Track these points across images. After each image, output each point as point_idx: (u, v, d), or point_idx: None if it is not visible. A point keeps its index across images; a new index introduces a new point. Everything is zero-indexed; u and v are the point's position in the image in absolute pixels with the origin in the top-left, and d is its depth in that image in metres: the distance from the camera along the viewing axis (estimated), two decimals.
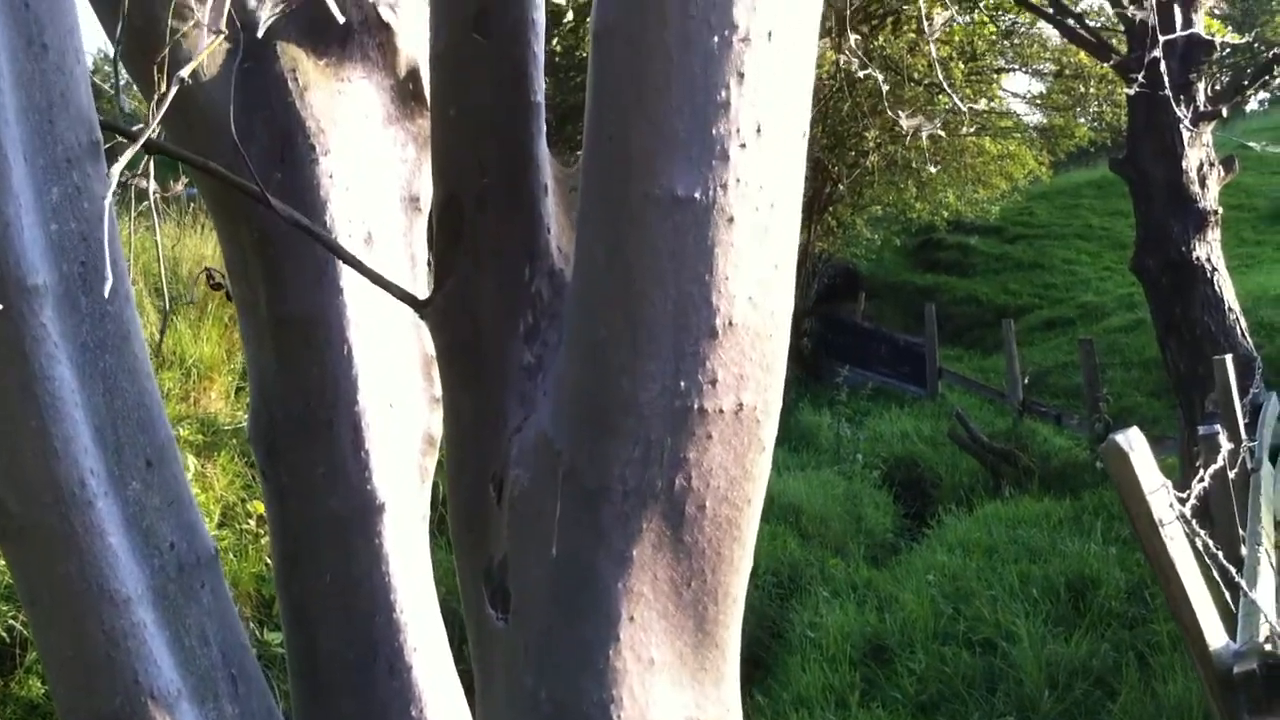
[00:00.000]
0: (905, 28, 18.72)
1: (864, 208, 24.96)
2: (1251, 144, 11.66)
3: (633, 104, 2.09)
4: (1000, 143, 23.06)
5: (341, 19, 3.09)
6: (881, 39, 19.05)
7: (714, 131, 2.08)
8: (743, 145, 2.10)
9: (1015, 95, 24.91)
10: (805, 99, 2.20)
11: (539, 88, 2.36)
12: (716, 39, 2.06)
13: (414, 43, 3.28)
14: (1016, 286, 26.92)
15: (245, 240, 3.06)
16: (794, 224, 2.20)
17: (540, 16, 2.36)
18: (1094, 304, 24.41)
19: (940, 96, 19.04)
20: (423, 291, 3.24)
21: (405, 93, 3.27)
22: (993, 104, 22.25)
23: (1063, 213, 30.98)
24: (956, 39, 18.24)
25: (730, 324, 2.13)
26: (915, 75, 18.83)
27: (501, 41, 2.28)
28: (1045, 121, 24.67)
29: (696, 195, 2.07)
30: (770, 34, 2.09)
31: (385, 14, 3.18)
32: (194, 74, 2.88)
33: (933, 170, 20.40)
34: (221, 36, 1.46)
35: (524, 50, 2.31)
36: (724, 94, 2.08)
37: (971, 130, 21.47)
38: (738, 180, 2.10)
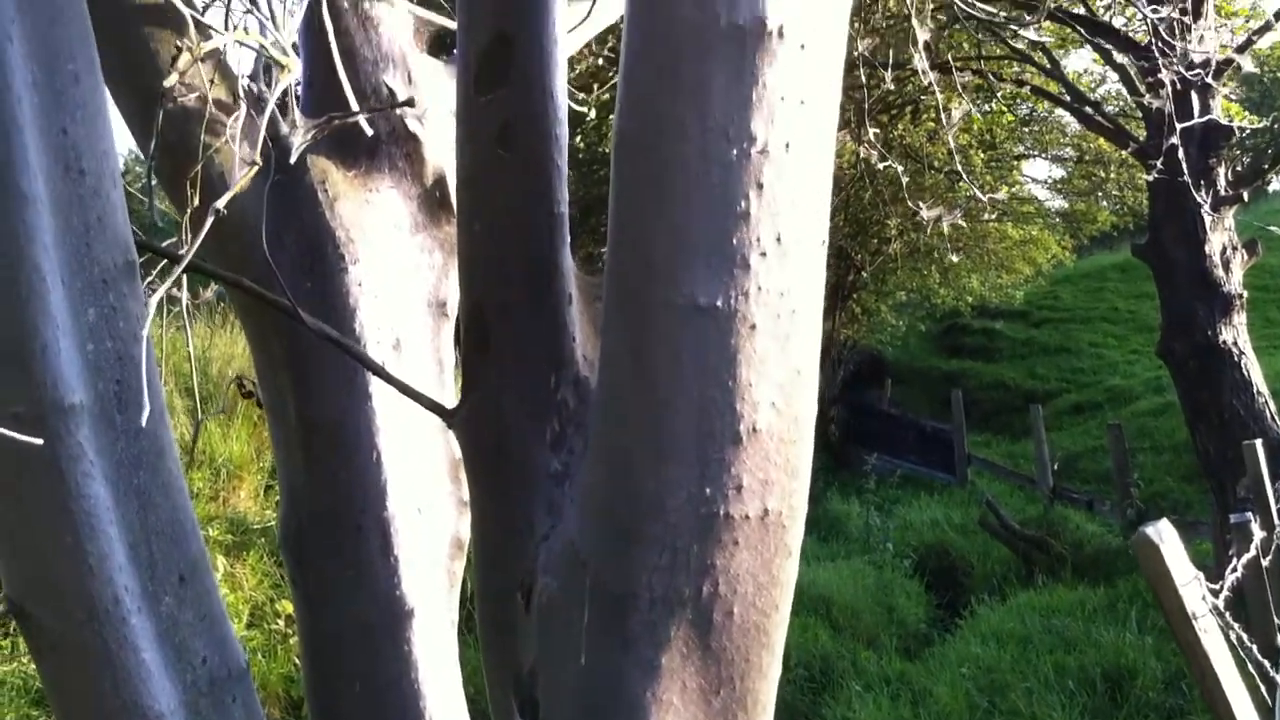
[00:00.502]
0: (924, 116, 18.89)
1: (888, 294, 25.03)
2: (1274, 227, 11.67)
3: (653, 214, 2.13)
4: (1022, 228, 23.15)
5: (370, 131, 3.16)
6: (901, 128, 19.25)
7: (734, 241, 2.12)
8: (763, 254, 2.14)
9: (1036, 180, 24.90)
10: (824, 207, 2.23)
11: (562, 199, 2.40)
12: (735, 151, 2.11)
13: (441, 150, 3.35)
14: (1043, 371, 26.84)
15: (275, 348, 3.11)
16: (815, 329, 2.23)
17: (563, 131, 2.41)
18: (1122, 388, 24.30)
19: (961, 183, 19.16)
20: (450, 395, 3.28)
21: (432, 200, 3.34)
22: (1014, 190, 22.36)
23: (1088, 296, 30.97)
24: (975, 127, 18.39)
25: (754, 430, 2.14)
26: (935, 163, 18.98)
27: (525, 156, 2.33)
28: (1067, 206, 24.76)
29: (718, 303, 2.11)
30: (788, 145, 2.13)
31: (412, 125, 3.26)
32: (225, 186, 2.95)
33: (954, 259, 20.46)
34: (255, 167, 1.50)
35: (547, 164, 2.36)
36: (744, 204, 2.12)
37: (993, 216, 21.58)
38: (759, 288, 2.13)
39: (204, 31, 2.61)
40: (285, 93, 2.69)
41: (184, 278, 3.37)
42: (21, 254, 1.87)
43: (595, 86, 7.17)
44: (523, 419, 2.35)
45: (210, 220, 1.40)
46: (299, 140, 2.50)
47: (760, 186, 2.12)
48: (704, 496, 2.13)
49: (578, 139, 13.41)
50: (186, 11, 2.43)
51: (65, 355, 1.92)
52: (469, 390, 2.42)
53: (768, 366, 2.15)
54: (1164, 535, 4.26)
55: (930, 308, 26.56)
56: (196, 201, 2.69)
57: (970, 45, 14.17)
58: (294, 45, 2.67)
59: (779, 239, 2.15)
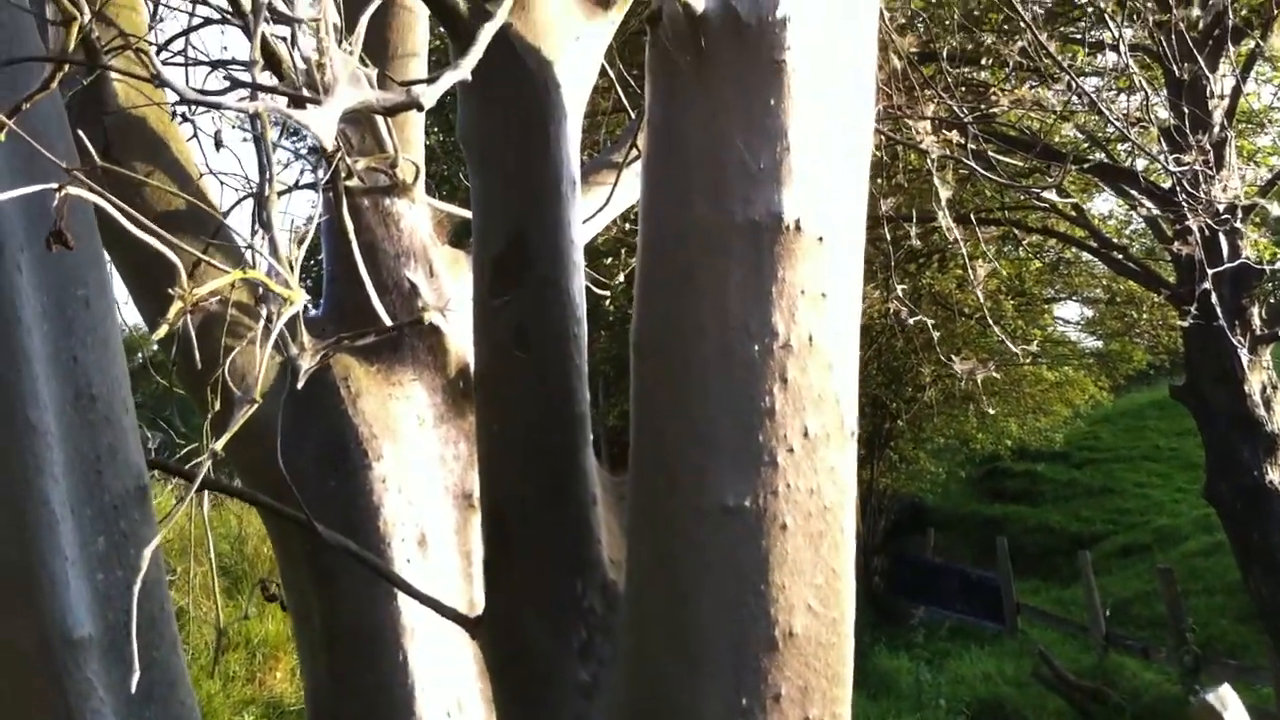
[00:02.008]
0: (951, 264, 18.96)
1: (925, 440, 24.81)
2: None
3: (676, 415, 2.08)
4: (1057, 370, 23.01)
5: (391, 324, 3.15)
6: (929, 275, 19.31)
7: (760, 438, 2.06)
8: (790, 450, 2.07)
9: (1068, 322, 24.84)
10: (852, 397, 2.18)
11: (583, 398, 2.36)
12: (757, 347, 2.06)
13: (464, 339, 3.33)
14: (1088, 513, 26.37)
15: (297, 551, 3.05)
16: (850, 526, 2.15)
17: (582, 329, 2.38)
18: (1169, 528, 23.80)
19: (991, 330, 19.11)
20: (478, 592, 3.19)
21: (456, 391, 3.31)
22: (1046, 332, 22.29)
23: (1128, 435, 30.59)
24: (1004, 273, 18.43)
25: (791, 635, 2.05)
26: (966, 310, 18.97)
27: (543, 357, 2.30)
28: (1101, 346, 24.64)
29: (746, 504, 2.04)
30: (811, 338, 2.09)
31: (434, 317, 3.24)
32: (244, 387, 2.92)
33: (990, 411, 20.31)
34: (254, 406, 1.47)
35: (566, 364, 2.33)
36: (768, 401, 2.06)
37: (1027, 360, 21.49)
38: (788, 486, 2.06)
39: (224, 250, 2.61)
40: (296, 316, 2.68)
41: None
42: (29, 486, 1.83)
43: (623, 252, 7.22)
44: (547, 627, 2.27)
45: (224, 439, 1.36)
46: (307, 363, 2.48)
47: (784, 382, 2.07)
48: (740, 707, 2.03)
49: (607, 303, 13.51)
50: (184, 251, 2.44)
51: (74, 587, 1.87)
52: (491, 595, 2.34)
53: (801, 567, 2.07)
54: (1226, 702, 4.08)
55: (969, 453, 26.29)
56: (218, 405, 2.66)
57: (993, 193, 14.28)
58: (299, 260, 2.67)
59: (806, 433, 2.09)
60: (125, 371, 2.02)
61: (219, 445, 1.59)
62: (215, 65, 2.94)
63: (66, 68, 1.52)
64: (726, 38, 2.07)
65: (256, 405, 1.35)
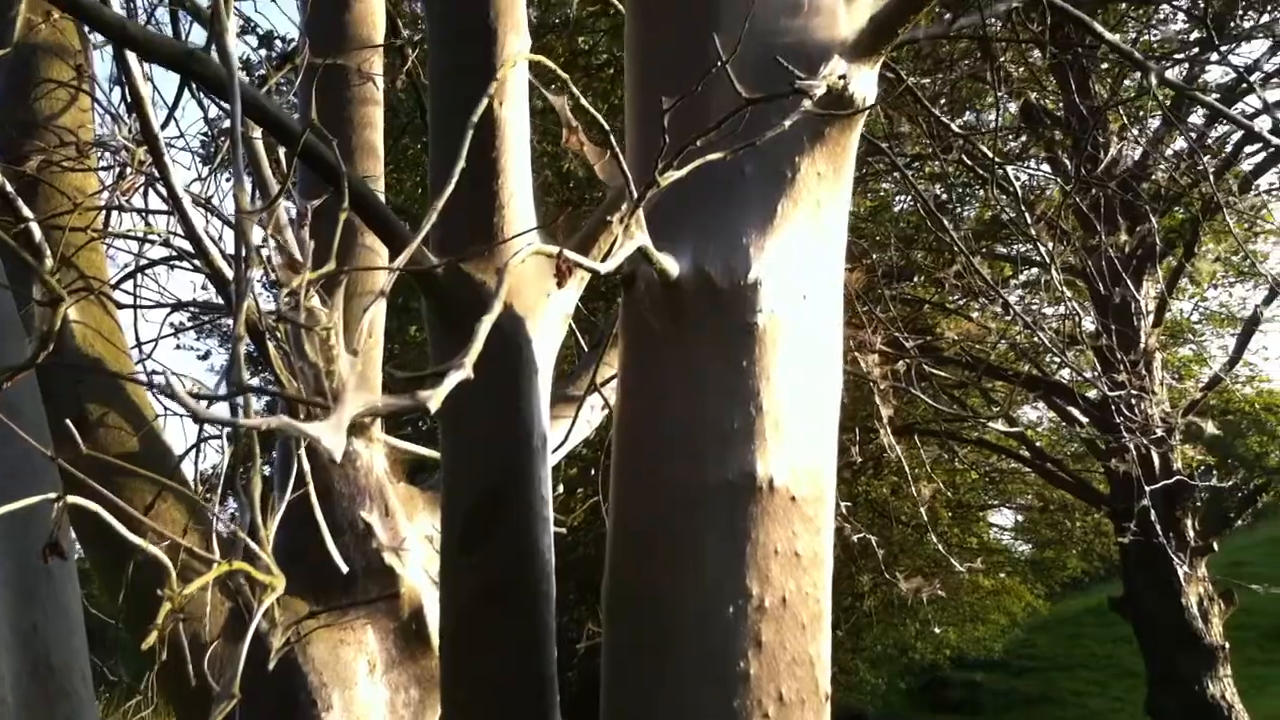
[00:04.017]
0: (886, 471, 19.09)
1: (863, 650, 24.53)
2: (1245, 559, 11.65)
3: (651, 682, 2.03)
4: (993, 578, 23.01)
5: (345, 568, 3.08)
6: (864, 482, 19.40)
7: (735, 704, 2.01)
8: (765, 715, 2.03)
9: (1003, 529, 24.98)
10: (825, 658, 2.15)
11: (551, 659, 2.30)
12: (731, 609, 2.03)
13: (419, 580, 3.27)
14: None
15: None
16: None
17: (551, 586, 2.34)
18: None
19: (928, 536, 19.15)
20: None
21: (409, 633, 3.22)
22: (983, 539, 22.38)
23: (1065, 642, 30.47)
24: (941, 484, 18.57)
25: None
26: (902, 517, 19.03)
27: (512, 616, 2.25)
28: (1035, 553, 24.74)
29: None
30: (785, 600, 2.07)
31: (389, 559, 3.18)
32: (194, 638, 2.83)
33: (936, 630, 20.23)
34: (233, 700, 1.41)
35: (535, 623, 2.28)
36: (743, 665, 2.02)
37: (963, 567, 21.46)
38: None
39: (177, 494, 2.56)
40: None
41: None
42: None
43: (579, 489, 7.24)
44: None
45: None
46: (279, 642, 2.41)
47: (759, 645, 2.04)
48: None
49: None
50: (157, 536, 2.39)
51: None
52: None
53: None
54: None
55: (909, 661, 26.01)
56: (164, 656, 2.57)
57: (930, 405, 14.48)
58: (269, 496, 2.63)
59: (781, 698, 2.05)
60: (84, 641, 1.95)
61: None
62: (176, 306, 2.94)
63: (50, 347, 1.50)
64: (700, 301, 2.10)
65: (236, 700, 1.30)
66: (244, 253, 1.49)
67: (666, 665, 2.02)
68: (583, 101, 1.86)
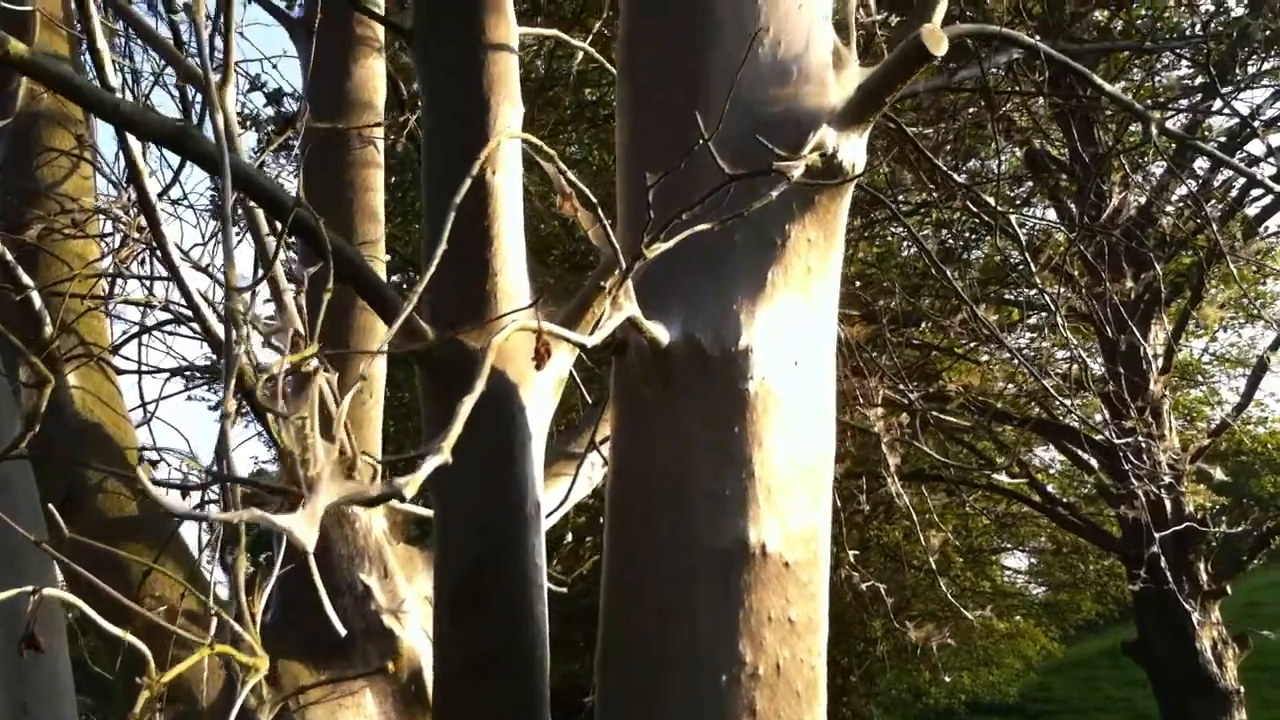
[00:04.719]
0: (898, 515, 19.01)
1: (877, 695, 24.34)
2: (1260, 600, 11.53)
3: None
4: (1008, 621, 22.83)
5: (344, 631, 3.08)
6: (876, 526, 19.30)
7: None
8: None
9: (1017, 572, 24.83)
10: None
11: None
12: (725, 677, 2.03)
13: (419, 641, 3.26)
14: None
15: None
16: None
17: (544, 652, 2.33)
18: None
19: (942, 579, 19.00)
20: None
21: (408, 695, 3.21)
22: (996, 582, 22.24)
23: (1080, 686, 30.19)
24: (951, 530, 18.49)
25: None
26: (914, 562, 18.91)
27: (503, 686, 2.25)
28: (1050, 595, 24.56)
29: None
30: (779, 666, 2.06)
31: (388, 621, 3.18)
32: (194, 701, 2.83)
33: (946, 679, 20.08)
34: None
35: (529, 692, 2.27)
36: None
37: (978, 611, 21.30)
38: None
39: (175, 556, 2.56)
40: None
41: None
42: None
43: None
44: None
45: None
46: (266, 717, 2.41)
47: (754, 714, 2.03)
48: None
49: (554, 561, 13.41)
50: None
51: None
52: None
53: None
54: None
55: (923, 707, 25.79)
56: None
57: (939, 450, 14.44)
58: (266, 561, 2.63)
59: None
60: (75, 713, 1.95)
61: None
62: (174, 373, 2.95)
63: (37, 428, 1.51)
64: (691, 368, 2.11)
65: None
66: (233, 334, 1.50)
67: None
68: (570, 176, 1.87)
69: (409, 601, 3.25)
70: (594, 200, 1.86)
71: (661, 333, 2.06)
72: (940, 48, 2.12)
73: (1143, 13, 9.87)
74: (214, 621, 2.25)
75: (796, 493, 2.14)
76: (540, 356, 1.57)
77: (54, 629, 1.95)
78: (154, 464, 2.34)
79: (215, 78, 1.97)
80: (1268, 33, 7.77)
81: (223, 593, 2.96)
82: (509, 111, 2.55)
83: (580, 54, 5.59)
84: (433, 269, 1.60)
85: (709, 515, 2.07)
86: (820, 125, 2.17)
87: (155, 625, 2.89)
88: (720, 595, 2.05)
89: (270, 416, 1.24)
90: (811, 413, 2.19)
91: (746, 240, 2.14)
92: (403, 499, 1.16)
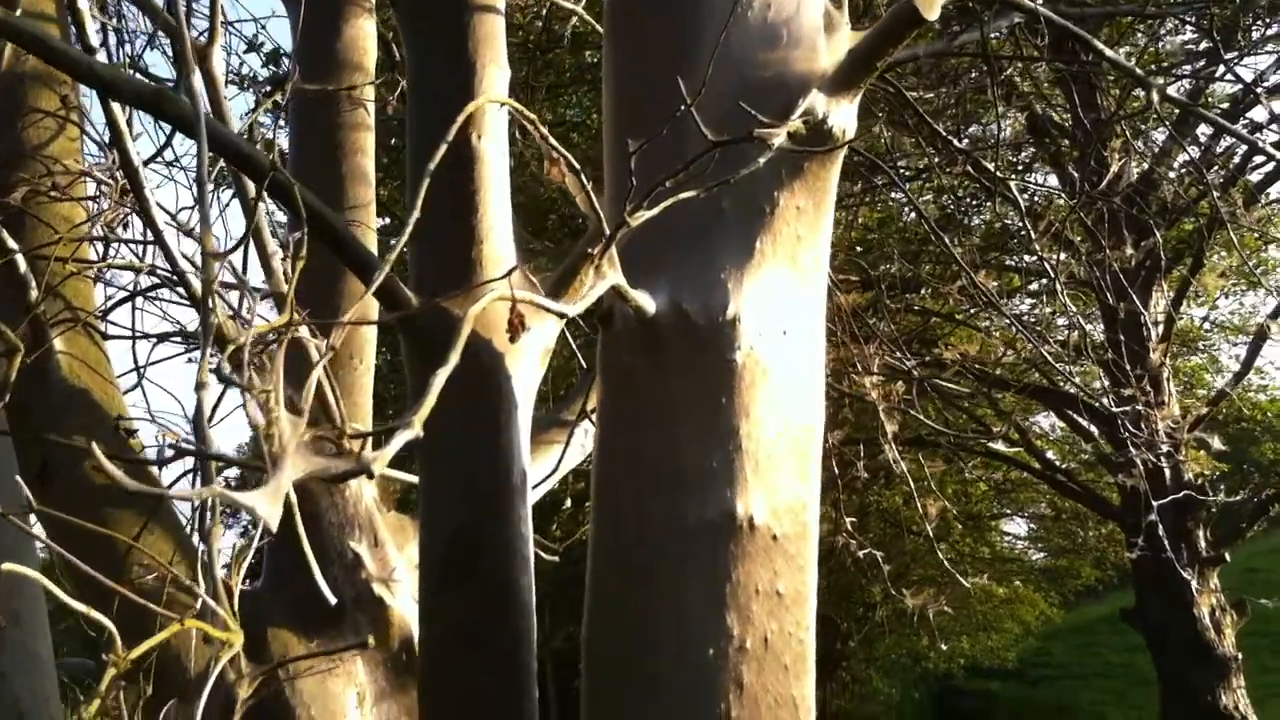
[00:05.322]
0: (898, 481, 19.02)
1: (876, 660, 24.45)
2: (1258, 566, 11.54)
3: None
4: (1008, 586, 22.89)
5: (334, 600, 3.06)
6: (875, 492, 19.31)
7: None
8: None
9: (1016, 538, 24.87)
10: (809, 700, 2.11)
11: (530, 701, 2.27)
12: (712, 651, 2.00)
13: (409, 610, 3.24)
14: None
15: None
16: None
17: (531, 624, 2.31)
18: None
19: (941, 545, 19.05)
20: None
21: (399, 664, 3.19)
22: (996, 548, 22.29)
23: (1080, 651, 30.29)
24: (950, 491, 18.50)
25: None
26: (914, 528, 18.94)
27: (491, 658, 2.23)
28: (1049, 562, 24.62)
29: None
30: (766, 640, 2.04)
31: (379, 589, 3.16)
32: (183, 670, 2.82)
33: (944, 646, 20.15)
34: None
35: (515, 665, 2.25)
36: (723, 706, 2.00)
37: (977, 575, 21.35)
38: None
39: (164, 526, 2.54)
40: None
41: None
42: None
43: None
44: None
45: None
46: (245, 693, 2.39)
47: (740, 688, 2.01)
48: None
49: (554, 527, 13.40)
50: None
51: None
52: None
53: None
54: None
55: (922, 671, 25.91)
56: (150, 690, 2.55)
57: (938, 417, 14.41)
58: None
59: None
60: (55, 687, 1.93)
61: None
62: (162, 338, 2.92)
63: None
64: (678, 338, 2.08)
65: None
66: (209, 302, 1.47)
67: (647, 706, 1.99)
68: (553, 143, 1.83)
69: (400, 570, 3.23)
70: (577, 166, 1.82)
71: (648, 302, 2.03)
72: (932, 11, 2.08)
73: None
74: (200, 595, 2.23)
75: (784, 465, 2.11)
76: (514, 328, 1.54)
77: (30, 597, 1.93)
78: (131, 434, 2.31)
79: (193, 35, 1.93)
80: None
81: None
82: (495, 74, 2.51)
83: (575, 16, 5.53)
84: (407, 235, 1.57)
85: (696, 488, 2.05)
86: (810, 90, 2.13)
87: (144, 593, 2.88)
88: (707, 568, 2.03)
89: (237, 389, 1.21)
90: (800, 384, 2.16)
91: (734, 208, 2.11)
92: (371, 475, 1.13)
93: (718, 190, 1.96)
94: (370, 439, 2.45)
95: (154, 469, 3.02)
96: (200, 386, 1.39)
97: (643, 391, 2.12)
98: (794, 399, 2.14)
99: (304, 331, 2.14)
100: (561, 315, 1.69)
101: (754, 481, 2.06)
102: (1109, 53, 4.73)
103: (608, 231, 1.78)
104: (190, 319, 3.48)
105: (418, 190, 1.60)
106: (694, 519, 2.03)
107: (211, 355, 1.41)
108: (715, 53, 1.99)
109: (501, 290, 1.63)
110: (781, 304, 2.13)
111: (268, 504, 1.04)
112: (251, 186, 2.83)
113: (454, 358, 1.34)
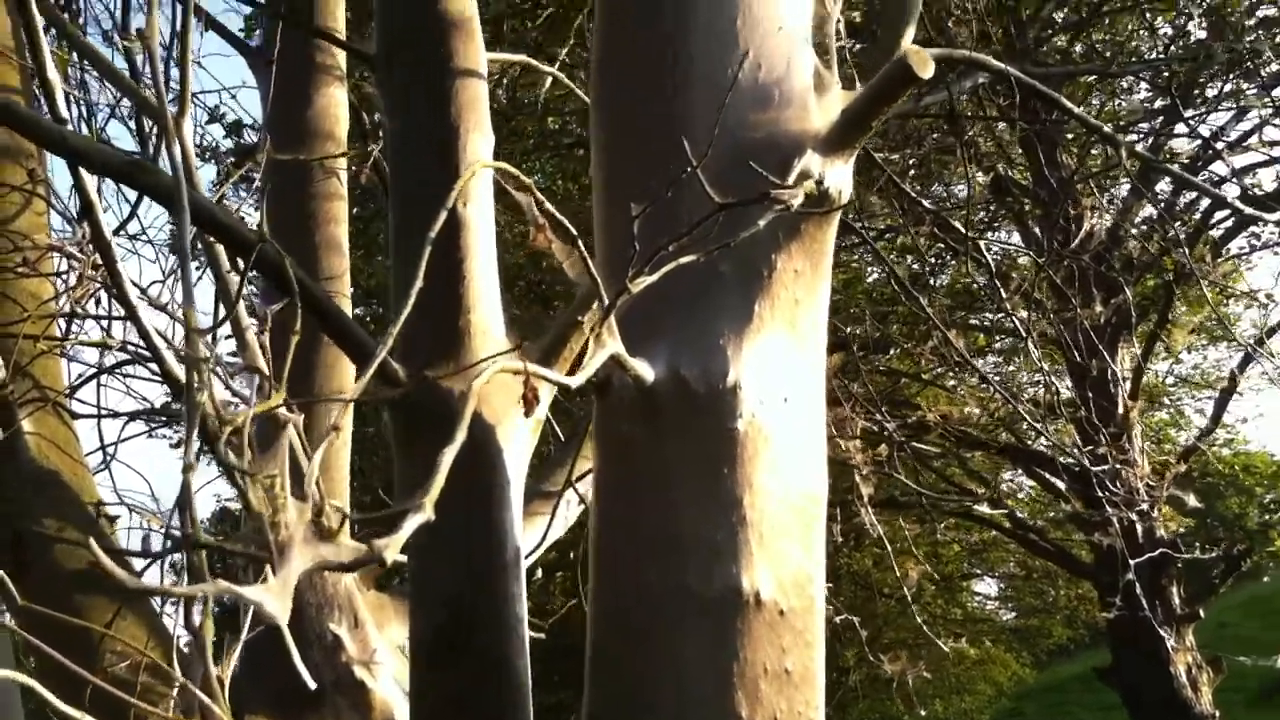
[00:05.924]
0: (868, 542, 18.96)
1: None
2: (1228, 620, 11.53)
3: None
4: (979, 647, 22.79)
5: (314, 685, 2.95)
6: (846, 555, 19.24)
7: None
8: None
9: (986, 598, 24.84)
10: None
11: None
12: None
13: (391, 690, 3.14)
14: None
15: None
16: None
17: (526, 700, 2.22)
18: None
19: (912, 608, 18.95)
20: None
21: None
22: (968, 609, 22.23)
23: (1052, 711, 30.07)
24: (922, 553, 18.45)
25: None
26: (885, 590, 18.85)
27: None
28: (1020, 622, 24.56)
29: None
30: None
31: (360, 672, 3.05)
32: None
33: (922, 712, 20.01)
34: None
35: None
36: None
37: (949, 637, 21.26)
38: None
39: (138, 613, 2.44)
40: None
41: None
42: None
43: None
44: None
45: None
46: None
47: None
48: None
49: (551, 588, 13.27)
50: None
51: None
52: None
53: None
54: None
55: None
56: None
57: (910, 477, 14.37)
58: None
59: None
60: None
61: None
62: (134, 416, 2.83)
63: None
64: (677, 406, 2.01)
65: None
66: (194, 382, 1.40)
67: None
68: (549, 207, 1.78)
69: (381, 652, 3.13)
70: (574, 233, 1.76)
71: (646, 370, 1.97)
72: (926, 70, 2.05)
73: (1103, 37, 9.92)
74: (182, 682, 2.14)
75: (790, 536, 2.04)
76: (529, 403, 1.47)
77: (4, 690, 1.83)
78: (113, 520, 2.22)
79: (172, 109, 1.87)
80: (1229, 55, 7.81)
81: (187, 648, 2.84)
82: (479, 140, 2.45)
83: (548, 81, 5.51)
84: (408, 309, 1.50)
85: (699, 562, 1.97)
86: (805, 151, 2.09)
87: (118, 683, 2.76)
88: (712, 647, 1.95)
89: (237, 473, 1.14)
90: (803, 451, 2.10)
91: (733, 272, 2.05)
92: (384, 564, 1.06)
93: (715, 255, 1.91)
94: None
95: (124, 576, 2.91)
96: (188, 469, 1.31)
97: (641, 460, 2.05)
98: (797, 468, 2.08)
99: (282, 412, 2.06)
100: (565, 388, 1.62)
101: (759, 554, 1.99)
102: (1077, 111, 4.75)
103: (606, 299, 1.72)
104: (156, 395, 3.38)
105: (414, 260, 1.53)
106: (697, 595, 1.96)
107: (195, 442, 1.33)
108: (718, 115, 1.95)
109: (509, 363, 1.56)
110: (781, 370, 2.07)
111: (275, 599, 0.96)
112: (225, 259, 2.76)
113: (460, 435, 1.27)
